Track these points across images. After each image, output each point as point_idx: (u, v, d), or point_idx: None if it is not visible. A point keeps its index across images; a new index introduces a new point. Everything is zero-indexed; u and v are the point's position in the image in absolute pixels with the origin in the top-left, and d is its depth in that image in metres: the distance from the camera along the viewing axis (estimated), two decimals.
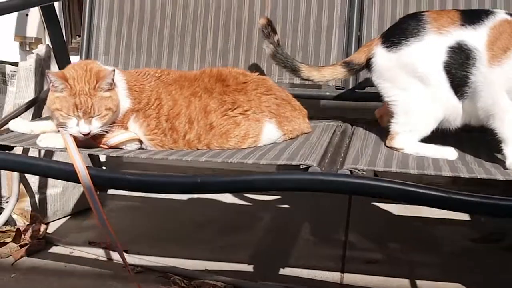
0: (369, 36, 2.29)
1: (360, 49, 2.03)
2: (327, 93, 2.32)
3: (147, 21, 2.44)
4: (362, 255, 2.32)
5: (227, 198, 2.82)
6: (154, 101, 1.94)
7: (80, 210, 2.66)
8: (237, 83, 2.00)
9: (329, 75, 2.04)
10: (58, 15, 2.47)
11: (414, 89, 1.84)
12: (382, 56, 1.90)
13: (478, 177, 1.67)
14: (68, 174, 1.72)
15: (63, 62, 2.38)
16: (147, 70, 2.03)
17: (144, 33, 2.44)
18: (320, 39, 2.32)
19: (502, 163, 1.76)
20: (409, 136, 1.87)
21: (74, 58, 2.48)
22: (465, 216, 2.62)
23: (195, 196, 2.78)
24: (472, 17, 1.80)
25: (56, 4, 2.49)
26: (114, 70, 1.88)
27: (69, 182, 2.47)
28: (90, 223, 2.57)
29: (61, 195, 2.60)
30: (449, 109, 1.83)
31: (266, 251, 2.38)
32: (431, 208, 1.63)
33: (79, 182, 1.70)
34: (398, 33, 1.87)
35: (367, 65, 1.95)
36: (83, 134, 1.85)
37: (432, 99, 1.83)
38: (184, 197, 2.80)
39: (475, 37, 1.75)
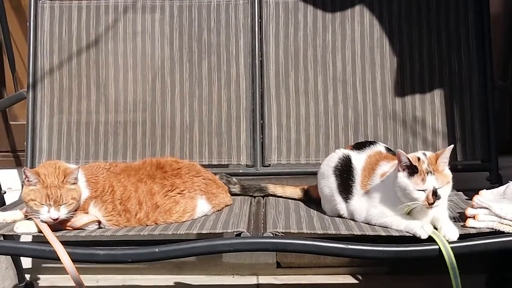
0: (269, 122, 2.87)
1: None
2: (240, 171, 2.86)
3: (84, 118, 2.89)
4: None
5: None
6: (108, 189, 2.38)
7: None
8: (173, 169, 2.49)
9: (289, 192, 2.69)
10: None
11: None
12: None
13: (367, 234, 2.23)
14: (48, 253, 2.13)
15: None
16: (98, 164, 2.48)
17: (82, 129, 2.88)
18: (232, 127, 2.88)
19: None
20: None
21: None
22: None
23: None
24: (359, 145, 2.47)
25: None
26: (78, 168, 2.32)
27: None
28: None
29: None
30: (337, 204, 2.40)
31: None
32: None
33: (59, 259, 2.12)
34: None
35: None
36: (52, 219, 2.25)
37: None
38: None
39: (358, 157, 2.40)
